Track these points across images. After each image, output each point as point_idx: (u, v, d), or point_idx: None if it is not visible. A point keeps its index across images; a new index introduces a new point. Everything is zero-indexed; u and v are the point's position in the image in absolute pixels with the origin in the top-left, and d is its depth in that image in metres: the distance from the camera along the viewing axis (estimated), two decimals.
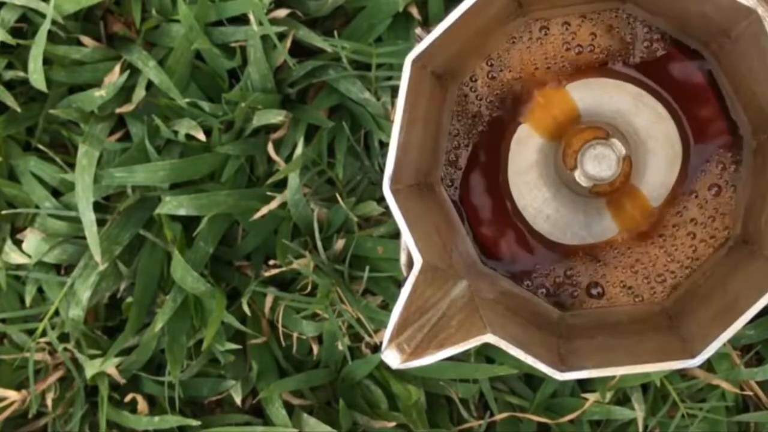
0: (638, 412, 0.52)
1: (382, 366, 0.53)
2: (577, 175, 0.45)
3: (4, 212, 0.53)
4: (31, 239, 0.53)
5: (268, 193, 0.52)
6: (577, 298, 0.48)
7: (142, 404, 0.53)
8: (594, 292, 0.48)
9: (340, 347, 0.53)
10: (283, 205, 0.52)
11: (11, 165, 0.53)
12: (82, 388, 0.54)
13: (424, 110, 0.44)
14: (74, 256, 0.53)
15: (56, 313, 0.54)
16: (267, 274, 0.53)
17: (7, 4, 0.51)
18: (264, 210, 0.52)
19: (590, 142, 0.45)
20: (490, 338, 0.40)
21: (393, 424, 0.53)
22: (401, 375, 0.53)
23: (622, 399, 0.53)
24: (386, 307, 0.52)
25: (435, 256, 0.42)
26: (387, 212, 0.52)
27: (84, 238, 0.52)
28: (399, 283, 0.52)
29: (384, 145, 0.52)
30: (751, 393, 0.53)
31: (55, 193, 0.54)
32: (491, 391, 0.53)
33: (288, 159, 0.52)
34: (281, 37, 0.51)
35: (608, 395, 0.52)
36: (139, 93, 0.52)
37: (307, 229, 0.52)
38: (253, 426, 0.53)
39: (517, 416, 0.53)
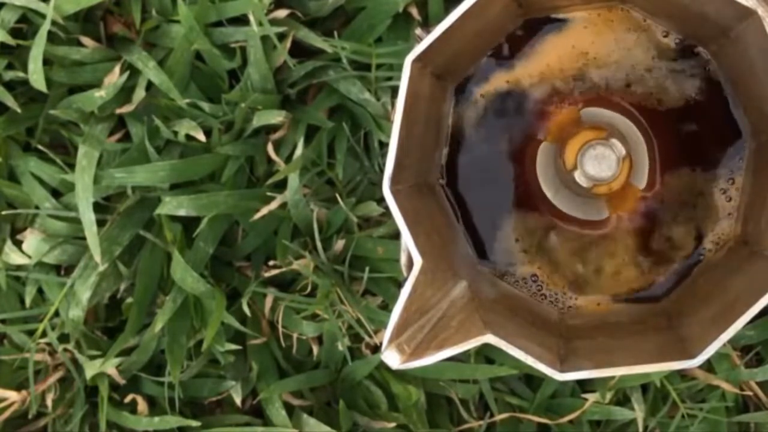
0: (638, 412, 0.52)
1: (382, 366, 0.53)
2: (577, 175, 0.45)
3: (4, 212, 0.53)
4: (31, 240, 0.53)
5: (268, 194, 0.52)
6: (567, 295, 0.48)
7: (142, 405, 0.53)
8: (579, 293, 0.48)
9: (340, 348, 0.53)
10: (283, 206, 0.52)
11: (11, 165, 0.53)
12: (82, 388, 0.54)
13: (424, 110, 0.44)
14: (74, 257, 0.53)
15: (56, 313, 0.54)
16: (267, 274, 0.53)
17: (7, 4, 0.51)
18: (264, 210, 0.52)
19: (590, 142, 0.45)
20: (490, 338, 0.40)
21: (393, 424, 0.53)
22: (401, 375, 0.53)
23: (622, 399, 0.53)
24: (386, 307, 0.52)
25: (435, 257, 0.42)
26: (387, 212, 0.52)
27: (84, 238, 0.52)
28: (399, 284, 0.52)
29: (384, 145, 0.52)
30: (751, 393, 0.53)
31: (55, 194, 0.54)
32: (491, 391, 0.53)
33: (288, 159, 0.52)
34: (281, 37, 0.51)
35: (608, 395, 0.52)
36: (139, 93, 0.52)
37: (307, 230, 0.52)
38: (253, 426, 0.53)
39: (517, 417, 0.53)
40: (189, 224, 0.53)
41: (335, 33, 0.51)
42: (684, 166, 0.47)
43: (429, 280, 0.41)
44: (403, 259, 0.43)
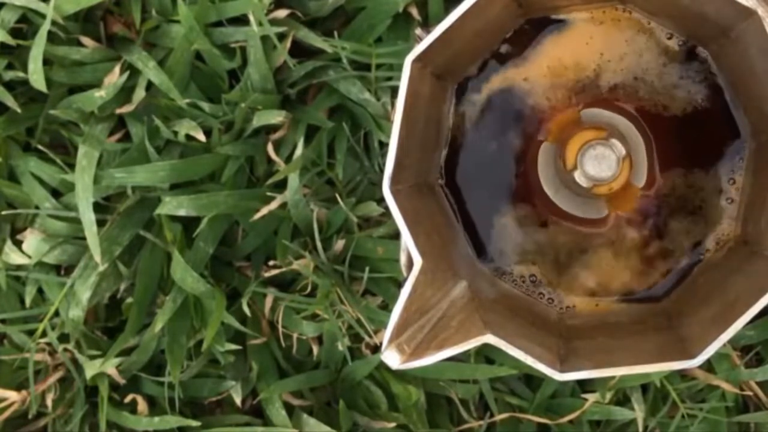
0: (638, 412, 0.52)
1: (382, 366, 0.53)
2: (577, 175, 0.45)
3: (4, 212, 0.53)
4: (31, 240, 0.53)
5: (268, 194, 0.52)
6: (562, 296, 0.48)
7: (142, 405, 0.53)
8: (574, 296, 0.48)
9: (340, 348, 0.53)
10: (283, 206, 0.52)
11: (11, 165, 0.53)
12: (82, 388, 0.54)
13: (424, 110, 0.44)
14: (74, 257, 0.53)
15: (56, 313, 0.54)
16: (267, 274, 0.53)
17: (7, 4, 0.51)
18: (264, 210, 0.52)
19: (590, 142, 0.45)
20: (489, 338, 0.40)
21: (393, 424, 0.53)
22: (401, 375, 0.53)
23: (622, 399, 0.53)
24: (386, 307, 0.52)
25: (435, 257, 0.42)
26: (387, 212, 0.52)
27: (84, 238, 0.52)
28: (399, 284, 0.52)
29: (384, 145, 0.52)
30: (751, 393, 0.53)
31: (55, 194, 0.54)
32: (491, 391, 0.53)
33: (288, 159, 0.52)
34: (281, 37, 0.51)
35: (608, 395, 0.52)
36: (139, 93, 0.52)
37: (307, 230, 0.52)
38: (253, 426, 0.53)
39: (517, 417, 0.53)
40: (189, 224, 0.53)
41: (335, 33, 0.51)
42: (684, 166, 0.47)
43: (429, 280, 0.41)
44: (403, 259, 0.43)
